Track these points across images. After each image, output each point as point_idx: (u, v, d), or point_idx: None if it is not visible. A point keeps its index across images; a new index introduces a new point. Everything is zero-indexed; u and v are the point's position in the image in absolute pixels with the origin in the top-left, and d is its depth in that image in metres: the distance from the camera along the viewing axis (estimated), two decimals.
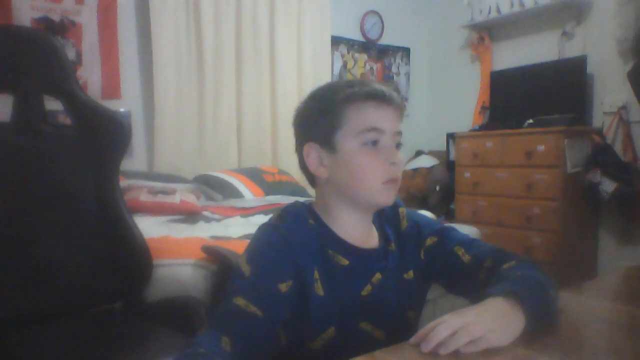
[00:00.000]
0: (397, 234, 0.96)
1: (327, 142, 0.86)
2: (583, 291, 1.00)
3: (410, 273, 0.95)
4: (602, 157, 3.00)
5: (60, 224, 1.41)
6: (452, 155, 3.91)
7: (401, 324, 0.92)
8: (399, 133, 0.88)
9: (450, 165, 3.88)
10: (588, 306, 0.89)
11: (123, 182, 2.19)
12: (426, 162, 4.04)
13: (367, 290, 0.89)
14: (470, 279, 0.91)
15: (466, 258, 0.92)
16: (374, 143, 0.84)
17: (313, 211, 0.90)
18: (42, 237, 1.38)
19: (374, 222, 0.94)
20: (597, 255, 3.31)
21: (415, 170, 3.99)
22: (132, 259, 1.46)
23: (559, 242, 3.02)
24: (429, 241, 0.96)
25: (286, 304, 0.80)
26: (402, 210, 0.99)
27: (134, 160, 3.04)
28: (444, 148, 4.11)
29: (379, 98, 0.84)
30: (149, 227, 1.99)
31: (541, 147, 3.07)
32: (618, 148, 3.12)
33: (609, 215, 3.23)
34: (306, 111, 0.89)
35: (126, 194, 2.37)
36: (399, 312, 0.92)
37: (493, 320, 0.69)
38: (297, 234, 0.84)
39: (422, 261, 0.96)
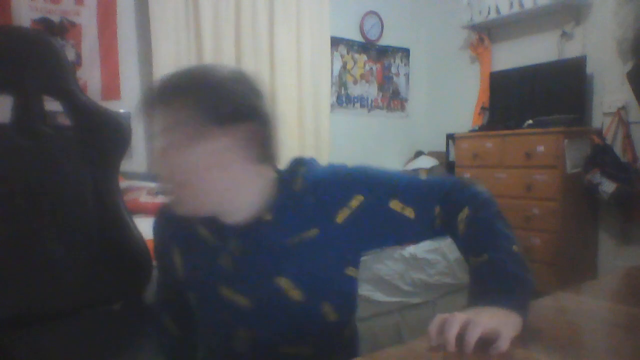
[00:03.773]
0: (288, 196, 0.88)
1: None
2: (583, 291, 1.00)
3: (298, 237, 0.87)
4: (601, 157, 3.00)
5: (60, 225, 1.41)
6: (452, 156, 3.91)
7: (270, 292, 0.88)
8: (168, 128, 0.82)
9: (449, 166, 3.88)
10: (588, 306, 0.89)
11: (123, 183, 2.19)
12: (426, 162, 4.05)
13: (225, 258, 0.90)
14: (423, 233, 0.92)
15: (409, 212, 0.87)
16: None
17: None
18: (41, 237, 1.38)
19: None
20: (597, 256, 3.31)
21: (415, 171, 3.99)
22: (132, 260, 1.46)
23: (559, 243, 3.02)
24: (355, 203, 0.86)
25: (170, 272, 1.01)
26: (303, 168, 0.91)
27: (134, 162, 3.04)
28: (443, 149, 4.11)
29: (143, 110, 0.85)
30: (149, 228, 1.99)
31: (541, 148, 3.08)
32: (617, 148, 3.12)
33: (609, 216, 3.23)
34: None
35: (126, 195, 2.37)
36: (266, 279, 0.88)
37: (492, 317, 0.68)
38: (169, 210, 0.91)
39: (339, 226, 0.87)
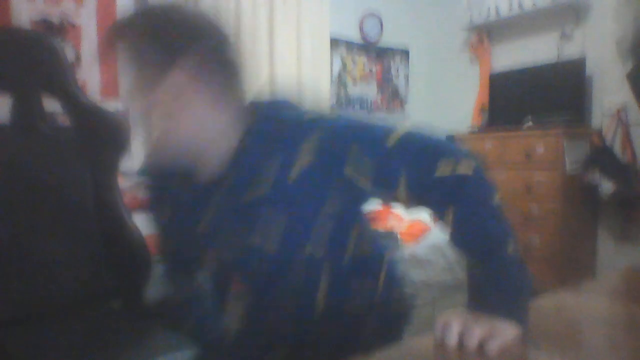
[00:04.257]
0: (249, 150, 0.84)
1: None
2: (582, 291, 1.00)
3: (254, 194, 0.83)
4: (601, 158, 3.00)
5: (60, 224, 1.41)
6: None
7: (244, 248, 0.86)
8: (128, 67, 0.80)
9: None
10: (587, 306, 0.89)
11: (122, 182, 2.20)
12: None
13: (194, 216, 0.90)
14: (381, 199, 0.92)
15: (364, 182, 0.81)
16: None
17: None
18: (41, 237, 1.38)
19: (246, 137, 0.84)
20: (596, 256, 3.31)
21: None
22: (131, 259, 1.46)
23: (558, 243, 3.02)
24: (307, 159, 0.80)
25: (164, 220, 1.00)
26: (265, 117, 0.85)
27: (134, 161, 3.04)
28: None
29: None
30: (149, 228, 1.99)
31: (540, 149, 3.08)
32: (617, 149, 3.12)
33: (608, 216, 3.23)
34: None
35: (125, 193, 2.37)
36: (237, 237, 0.86)
37: (489, 324, 0.68)
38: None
39: (291, 185, 0.81)
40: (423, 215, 2.54)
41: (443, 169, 0.79)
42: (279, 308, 0.91)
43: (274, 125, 0.84)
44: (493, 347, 0.65)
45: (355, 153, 0.79)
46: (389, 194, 0.84)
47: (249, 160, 0.83)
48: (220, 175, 0.85)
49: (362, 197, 0.88)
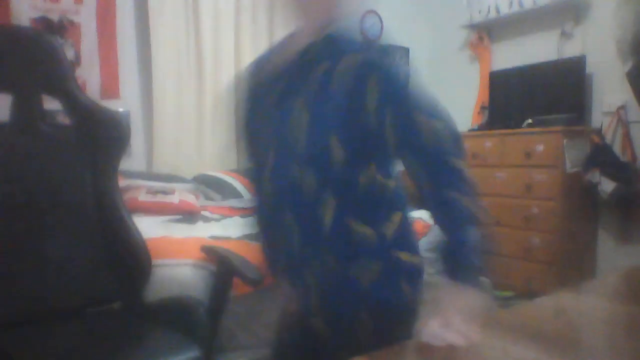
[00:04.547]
0: (310, 54, 0.94)
1: None
2: (582, 291, 1.00)
3: (297, 97, 0.92)
4: (601, 157, 3.00)
5: (59, 224, 1.41)
6: None
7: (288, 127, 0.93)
8: None
9: None
10: (587, 306, 0.89)
11: (122, 182, 2.20)
12: None
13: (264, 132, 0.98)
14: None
15: (390, 135, 0.91)
16: None
17: None
18: (41, 237, 1.38)
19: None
20: (596, 256, 3.31)
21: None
22: (132, 259, 1.46)
23: (558, 243, 3.02)
24: (373, 95, 0.91)
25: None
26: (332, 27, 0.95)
27: (133, 160, 3.04)
28: None
29: None
30: (148, 227, 1.99)
31: (540, 147, 3.08)
32: (617, 148, 3.12)
33: (608, 216, 3.23)
34: None
35: (125, 194, 2.37)
36: (290, 118, 0.93)
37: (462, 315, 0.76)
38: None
39: (331, 95, 0.91)
40: (423, 214, 2.54)
41: (450, 183, 0.90)
42: (293, 222, 0.93)
43: (336, 40, 0.93)
44: (461, 342, 0.72)
45: (399, 115, 0.93)
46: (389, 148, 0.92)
47: (301, 66, 0.92)
48: (278, 79, 0.95)
49: (372, 139, 0.91)
